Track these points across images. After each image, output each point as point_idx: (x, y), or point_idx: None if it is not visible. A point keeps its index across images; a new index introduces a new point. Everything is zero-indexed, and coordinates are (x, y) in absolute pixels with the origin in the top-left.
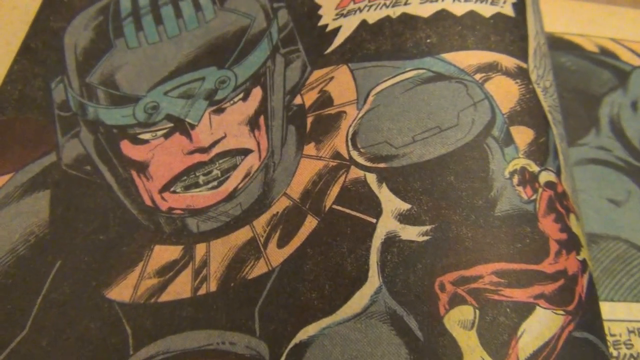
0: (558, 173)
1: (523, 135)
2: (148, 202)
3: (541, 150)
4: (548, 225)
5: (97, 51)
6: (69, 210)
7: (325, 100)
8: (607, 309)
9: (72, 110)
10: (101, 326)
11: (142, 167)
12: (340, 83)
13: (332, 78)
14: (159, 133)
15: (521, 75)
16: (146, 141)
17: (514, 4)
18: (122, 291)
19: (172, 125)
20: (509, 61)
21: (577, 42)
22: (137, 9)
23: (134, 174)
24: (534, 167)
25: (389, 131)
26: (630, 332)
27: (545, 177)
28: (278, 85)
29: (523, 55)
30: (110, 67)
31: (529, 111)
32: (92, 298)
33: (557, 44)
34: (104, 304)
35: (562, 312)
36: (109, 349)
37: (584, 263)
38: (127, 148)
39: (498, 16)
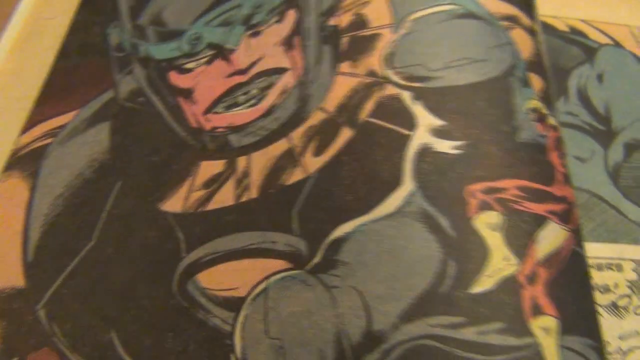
0: (558, 123)
1: (537, 82)
2: (194, 124)
3: (548, 99)
4: (555, 159)
5: None
6: (126, 138)
7: (360, 22)
8: None
9: (126, 51)
10: (157, 234)
11: (188, 94)
12: (376, 8)
13: (367, 2)
14: (202, 61)
15: (533, 34)
16: (191, 70)
17: None
18: (174, 203)
19: (213, 52)
20: (526, 20)
21: (550, 22)
22: None
23: (181, 100)
24: (545, 110)
25: (425, 55)
26: (589, 266)
27: (551, 121)
28: (312, 5)
29: (534, 20)
30: (157, 8)
31: (539, 65)
32: (149, 211)
33: None
34: (159, 215)
35: (567, 229)
36: (165, 253)
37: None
38: (175, 78)
39: None
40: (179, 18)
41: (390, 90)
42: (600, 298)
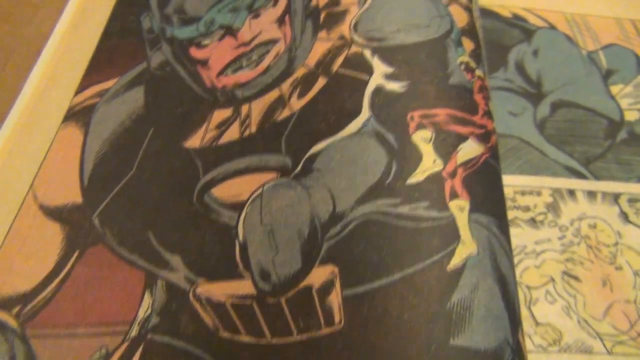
0: (484, 75)
1: (468, 44)
2: (208, 85)
3: (477, 57)
4: (478, 99)
5: None
6: (157, 96)
7: (334, 1)
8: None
9: (155, 33)
10: (182, 164)
11: (204, 63)
12: None
13: None
14: (215, 38)
15: (469, 10)
16: (206, 45)
17: None
18: (194, 141)
19: (223, 31)
20: None
21: (496, 10)
22: None
23: (199, 67)
24: (473, 64)
25: (381, 23)
26: (515, 192)
27: (478, 73)
28: None
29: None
30: (180, 1)
31: (471, 32)
32: (175, 148)
33: (481, 11)
34: (182, 150)
35: (483, 146)
36: (188, 175)
37: (494, 129)
38: (194, 51)
39: None
40: (197, 7)
41: (355, 48)
42: (522, 215)
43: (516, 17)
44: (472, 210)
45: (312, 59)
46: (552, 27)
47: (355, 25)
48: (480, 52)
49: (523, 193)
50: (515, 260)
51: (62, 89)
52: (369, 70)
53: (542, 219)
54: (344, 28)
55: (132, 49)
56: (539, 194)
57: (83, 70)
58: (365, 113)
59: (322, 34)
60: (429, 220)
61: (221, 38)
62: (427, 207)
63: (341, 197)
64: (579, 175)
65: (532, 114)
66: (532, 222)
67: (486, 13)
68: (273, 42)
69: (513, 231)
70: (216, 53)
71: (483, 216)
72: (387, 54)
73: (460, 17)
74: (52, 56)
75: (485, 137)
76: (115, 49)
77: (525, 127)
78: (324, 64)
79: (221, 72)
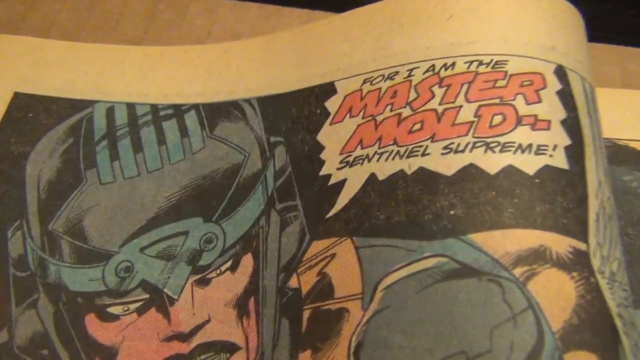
0: None
1: None
2: None
3: None
4: None
5: (64, 186)
6: None
7: (324, 288)
8: None
9: (30, 269)
10: None
11: (109, 356)
12: (343, 265)
13: (333, 255)
14: (132, 307)
15: (579, 264)
16: (116, 317)
17: (567, 149)
18: None
19: (147, 296)
20: (561, 243)
21: (630, 145)
22: (113, 128)
23: None
24: None
25: (401, 350)
26: None
27: None
28: (272, 254)
29: (581, 229)
30: (78, 209)
31: (592, 324)
32: None
33: (618, 156)
34: None
35: None
36: None
37: None
38: (93, 325)
39: (546, 172)
40: (105, 232)
41: None
42: None
43: None
44: None
45: None
46: None
47: (358, 350)
48: None
49: None
50: None
51: None
52: None
53: None
54: (340, 353)
55: None
56: None
57: None
58: None
59: (305, 356)
60: None
61: (142, 310)
62: None
63: None
64: None
65: None
66: None
67: (629, 158)
68: (228, 349)
69: None
70: (132, 341)
71: None
72: None
73: (558, 298)
74: None
75: None
76: None
77: None
78: None
79: None
